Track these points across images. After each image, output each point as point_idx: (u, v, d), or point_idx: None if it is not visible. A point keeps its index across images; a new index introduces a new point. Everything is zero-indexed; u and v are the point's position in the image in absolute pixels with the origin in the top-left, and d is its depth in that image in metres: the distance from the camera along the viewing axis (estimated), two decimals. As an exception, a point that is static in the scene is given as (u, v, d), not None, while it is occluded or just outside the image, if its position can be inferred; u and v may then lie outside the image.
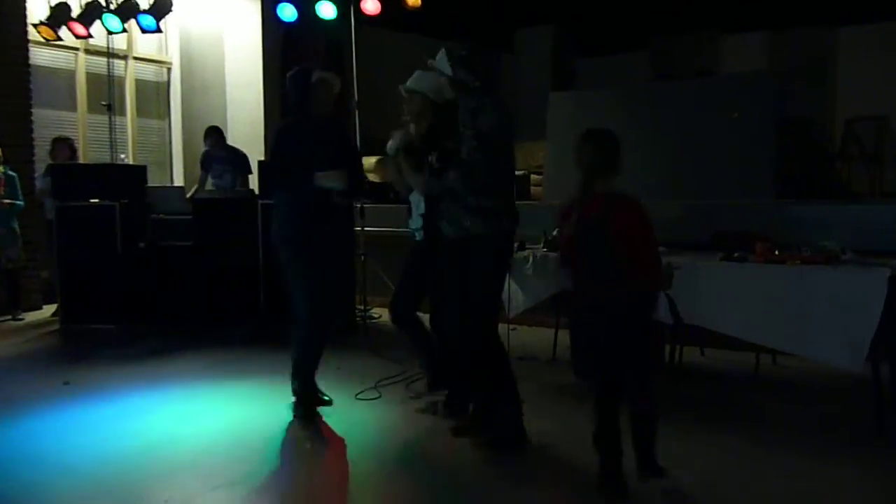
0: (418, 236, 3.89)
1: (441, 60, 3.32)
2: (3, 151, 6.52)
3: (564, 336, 5.18)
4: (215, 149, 7.32)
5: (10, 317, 6.73)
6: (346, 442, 3.58)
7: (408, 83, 3.74)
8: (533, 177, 8.49)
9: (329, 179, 3.73)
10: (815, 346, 3.54)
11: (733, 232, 4.71)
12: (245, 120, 8.98)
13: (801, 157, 7.63)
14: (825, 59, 9.70)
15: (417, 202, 3.84)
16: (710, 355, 5.01)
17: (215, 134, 7.39)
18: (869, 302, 3.37)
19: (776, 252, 3.80)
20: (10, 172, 6.60)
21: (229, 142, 7.59)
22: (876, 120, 8.99)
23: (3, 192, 6.49)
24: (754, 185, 6.54)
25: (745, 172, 6.64)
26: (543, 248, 4.57)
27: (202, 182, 7.39)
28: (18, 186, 6.62)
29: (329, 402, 3.94)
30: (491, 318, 3.37)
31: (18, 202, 6.59)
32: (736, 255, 3.90)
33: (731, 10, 9.49)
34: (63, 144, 6.89)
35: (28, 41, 7.29)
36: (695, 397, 4.21)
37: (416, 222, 3.91)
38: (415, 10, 6.72)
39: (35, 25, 7.32)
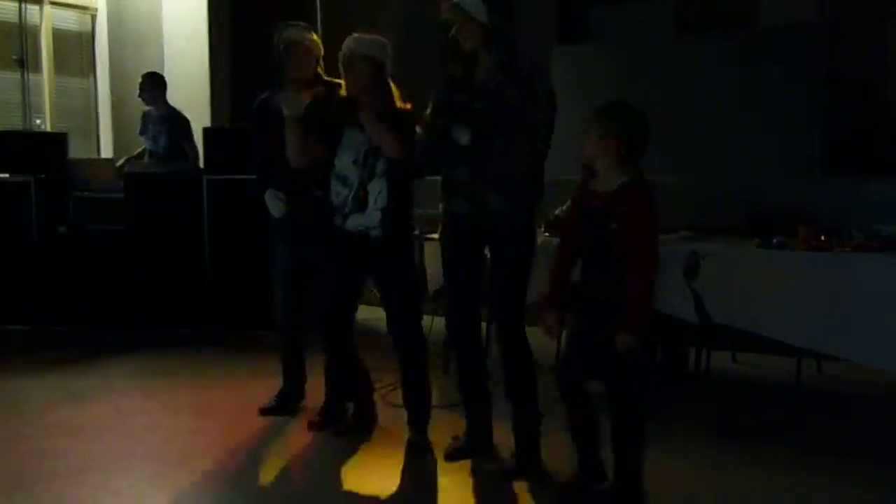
0: (374, 233, 3.57)
1: (472, 1, 3.22)
2: None
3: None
4: (149, 99, 7.16)
5: None
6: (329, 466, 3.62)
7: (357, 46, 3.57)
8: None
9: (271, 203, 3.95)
10: (869, 349, 3.58)
11: (773, 213, 4.74)
12: (187, 79, 8.90)
13: (856, 125, 7.66)
14: (886, 7, 9.72)
15: (378, 192, 3.54)
16: (744, 361, 5.05)
17: (151, 81, 7.12)
18: (931, 297, 3.41)
19: (822, 237, 3.83)
20: None
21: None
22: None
23: None
24: (799, 158, 6.57)
25: (789, 143, 6.66)
26: (545, 232, 4.59)
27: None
28: None
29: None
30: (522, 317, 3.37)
31: None
32: (775, 240, 3.93)
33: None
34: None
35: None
36: (725, 411, 4.27)
37: (370, 218, 3.57)
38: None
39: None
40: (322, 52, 4.02)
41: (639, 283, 2.85)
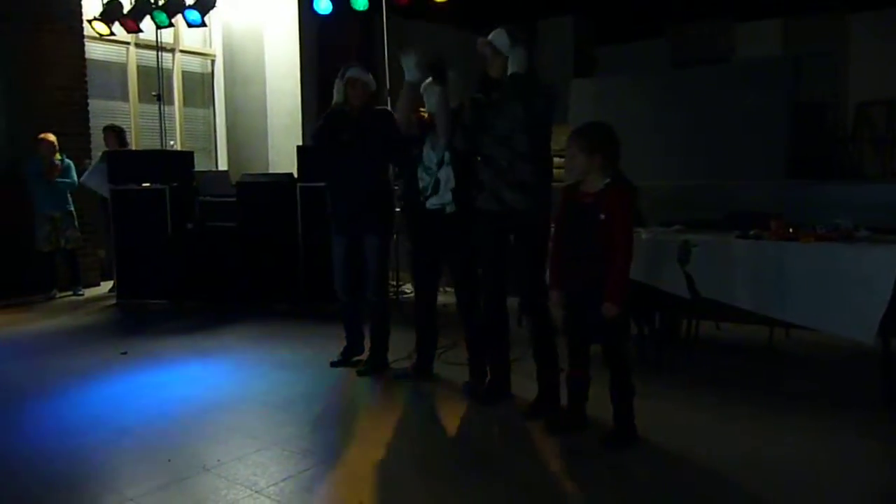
0: (449, 209, 3.64)
1: (499, 37, 3.23)
2: (61, 141, 6.67)
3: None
4: None
5: (70, 292, 6.93)
6: (391, 407, 3.64)
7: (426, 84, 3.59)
8: (556, 160, 8.42)
9: None
10: (828, 319, 3.47)
11: (749, 211, 4.63)
12: (284, 109, 8.99)
13: (815, 140, 7.47)
14: (838, 45, 9.46)
15: (447, 178, 3.63)
16: (726, 329, 4.95)
17: None
18: (881, 277, 3.27)
19: (790, 230, 3.73)
20: (67, 160, 6.79)
21: (270, 132, 7.54)
22: (887, 103, 8.78)
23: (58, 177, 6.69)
24: (769, 166, 6.43)
25: (761, 154, 6.52)
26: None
27: None
28: (74, 174, 6.79)
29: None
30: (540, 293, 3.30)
31: (71, 181, 6.77)
32: (751, 232, 3.83)
33: (747, -3, 9.28)
34: (112, 132, 6.99)
35: (84, 37, 7.39)
36: (710, 368, 4.18)
37: (444, 197, 3.65)
38: (443, 2, 6.69)
39: (90, 21, 7.39)
40: (375, 87, 4.06)
41: (620, 265, 2.89)
